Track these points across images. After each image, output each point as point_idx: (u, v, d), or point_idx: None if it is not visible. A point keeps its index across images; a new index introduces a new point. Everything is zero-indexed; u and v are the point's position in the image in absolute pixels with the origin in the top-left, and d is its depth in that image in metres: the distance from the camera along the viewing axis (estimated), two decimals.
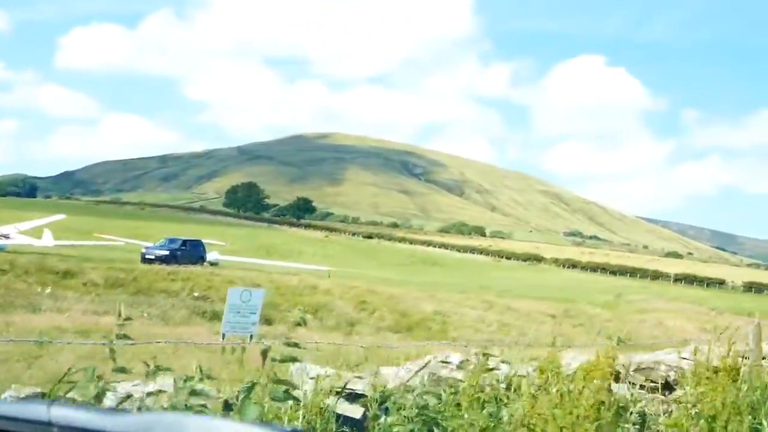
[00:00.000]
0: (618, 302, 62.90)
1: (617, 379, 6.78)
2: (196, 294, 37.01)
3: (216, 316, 33.20)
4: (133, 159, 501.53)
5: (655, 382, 7.05)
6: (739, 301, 79.60)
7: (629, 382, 6.95)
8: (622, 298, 65.10)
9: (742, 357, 6.40)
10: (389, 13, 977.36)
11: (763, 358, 7.05)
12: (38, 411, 1.47)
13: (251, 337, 23.23)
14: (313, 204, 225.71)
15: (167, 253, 47.08)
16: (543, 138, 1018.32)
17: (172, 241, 50.45)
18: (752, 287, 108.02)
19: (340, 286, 46.12)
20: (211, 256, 53.04)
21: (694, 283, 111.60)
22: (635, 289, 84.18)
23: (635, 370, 7.27)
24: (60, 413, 1.46)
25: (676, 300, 71.36)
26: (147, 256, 46.55)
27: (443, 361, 6.97)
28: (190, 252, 48.94)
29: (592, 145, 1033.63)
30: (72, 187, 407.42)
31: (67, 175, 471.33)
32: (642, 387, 6.86)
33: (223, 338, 22.35)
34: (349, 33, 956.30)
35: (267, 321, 36.95)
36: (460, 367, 6.73)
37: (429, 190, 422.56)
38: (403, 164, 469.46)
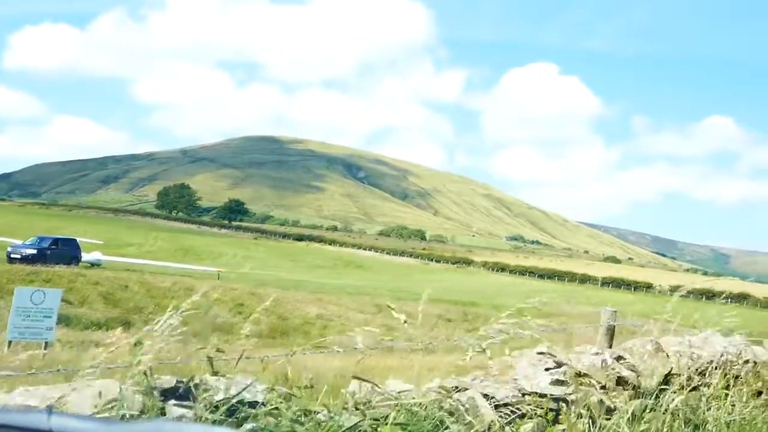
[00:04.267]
0: (526, 305, 61.28)
1: None
2: None
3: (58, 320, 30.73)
4: (72, 161, 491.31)
5: None
6: (661, 305, 79.16)
7: None
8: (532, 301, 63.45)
9: None
10: (346, 19, 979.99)
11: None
12: (38, 419, 1.47)
13: (46, 343, 20.51)
14: (246, 206, 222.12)
15: (35, 252, 43.93)
16: (493, 143, 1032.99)
17: (42, 239, 47.12)
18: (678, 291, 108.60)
19: (220, 289, 43.70)
20: (91, 256, 49.99)
21: (622, 287, 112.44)
22: (556, 293, 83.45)
23: None
24: (60, 422, 1.46)
25: (591, 304, 70.56)
26: (12, 255, 43.35)
27: None
28: (62, 251, 45.73)
29: (541, 151, 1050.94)
30: (9, 189, 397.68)
31: (5, 177, 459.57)
32: None
33: (9, 346, 19.63)
34: (305, 37, 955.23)
35: (126, 324, 34.44)
36: None
37: (373, 194, 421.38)
38: (348, 168, 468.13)
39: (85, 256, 49.09)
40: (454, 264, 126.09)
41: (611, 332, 5.92)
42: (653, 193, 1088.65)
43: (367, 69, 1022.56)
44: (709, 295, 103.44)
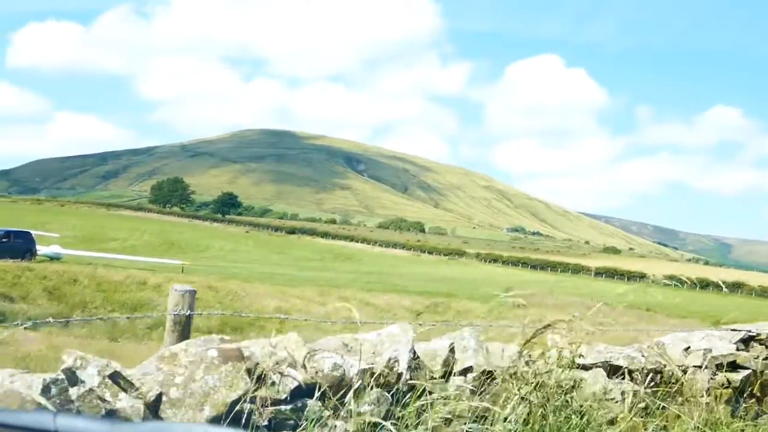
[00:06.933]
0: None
1: None
2: None
3: None
4: (72, 157, 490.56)
5: None
6: (652, 295, 78.29)
7: None
8: (511, 292, 62.00)
9: None
10: (352, 13, 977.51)
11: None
12: (45, 420, 1.48)
13: None
14: (242, 200, 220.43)
15: None
16: (497, 135, 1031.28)
17: None
18: (672, 281, 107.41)
19: (175, 282, 41.84)
20: (50, 249, 48.45)
21: (615, 277, 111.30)
22: (546, 283, 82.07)
23: None
24: (66, 422, 1.47)
25: (579, 295, 69.47)
26: None
27: None
28: (15, 244, 44.08)
29: (544, 142, 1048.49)
30: (10, 186, 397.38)
31: (5, 174, 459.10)
32: None
33: None
34: (310, 32, 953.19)
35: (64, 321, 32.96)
36: None
37: (373, 186, 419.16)
38: (349, 161, 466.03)
39: (43, 250, 47.61)
40: (446, 255, 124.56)
41: (183, 326, 4.04)
42: (656, 183, 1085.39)
43: (372, 63, 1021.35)
44: (704, 285, 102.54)
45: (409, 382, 3.35)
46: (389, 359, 3.41)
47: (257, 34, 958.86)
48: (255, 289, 44.13)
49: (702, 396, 4.54)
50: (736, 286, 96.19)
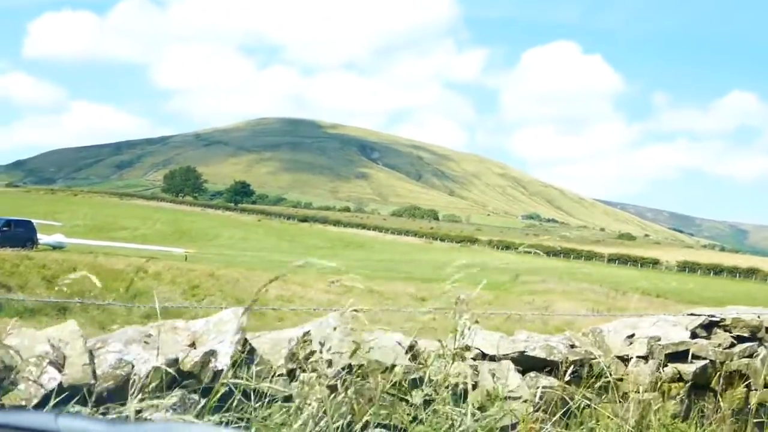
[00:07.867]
0: (513, 283, 59.60)
1: None
2: None
3: None
4: (87, 146, 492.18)
5: None
6: (666, 281, 77.26)
7: None
8: (519, 279, 61.58)
9: None
10: (369, 0, 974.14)
11: None
12: (46, 420, 1.49)
13: None
14: (255, 188, 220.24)
15: None
16: (513, 122, 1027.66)
17: None
18: (686, 267, 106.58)
19: (176, 270, 41.68)
20: (52, 238, 48.09)
21: (629, 263, 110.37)
22: (556, 270, 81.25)
23: None
24: (67, 422, 1.47)
25: (590, 281, 68.61)
26: None
27: None
28: (16, 233, 43.75)
29: (561, 129, 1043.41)
30: (25, 176, 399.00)
31: (20, 164, 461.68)
32: None
33: None
34: (326, 19, 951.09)
35: (62, 309, 32.65)
36: None
37: (388, 175, 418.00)
38: (363, 149, 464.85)
39: (46, 239, 47.27)
40: (459, 243, 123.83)
41: None
42: (672, 170, 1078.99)
43: (387, 50, 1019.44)
44: (717, 271, 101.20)
45: (231, 381, 2.68)
46: (204, 353, 2.75)
47: (272, 22, 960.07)
48: (257, 276, 43.54)
49: (638, 392, 3.83)
50: (750, 272, 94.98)
